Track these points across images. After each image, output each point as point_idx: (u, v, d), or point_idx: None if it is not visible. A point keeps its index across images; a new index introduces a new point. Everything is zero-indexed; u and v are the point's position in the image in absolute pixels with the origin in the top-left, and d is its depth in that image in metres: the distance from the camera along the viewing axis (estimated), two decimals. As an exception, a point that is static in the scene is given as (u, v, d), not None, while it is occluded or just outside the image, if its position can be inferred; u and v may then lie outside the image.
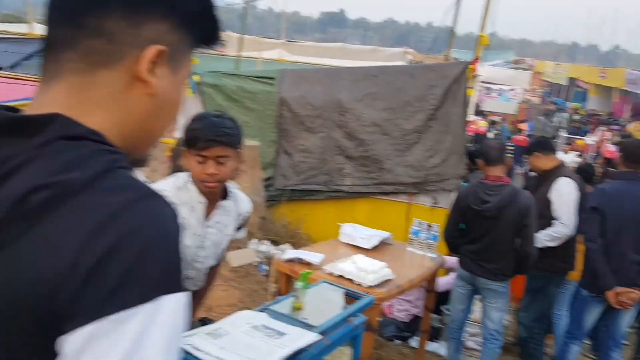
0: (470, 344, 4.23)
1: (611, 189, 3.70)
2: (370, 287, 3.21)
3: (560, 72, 35.87)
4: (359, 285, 3.23)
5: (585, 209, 3.85)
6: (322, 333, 1.72)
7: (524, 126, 22.46)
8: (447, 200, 5.53)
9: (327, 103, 5.96)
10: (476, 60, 5.71)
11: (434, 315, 4.75)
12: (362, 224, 5.48)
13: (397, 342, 4.48)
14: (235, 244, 5.03)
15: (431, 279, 4.02)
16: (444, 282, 4.46)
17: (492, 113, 23.57)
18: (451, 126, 5.84)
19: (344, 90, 5.99)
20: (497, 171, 3.63)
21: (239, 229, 2.36)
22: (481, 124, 18.91)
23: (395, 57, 15.31)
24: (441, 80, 5.82)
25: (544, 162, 4.11)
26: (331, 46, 17.08)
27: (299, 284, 1.95)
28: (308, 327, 1.73)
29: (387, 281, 3.33)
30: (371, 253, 3.78)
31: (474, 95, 6.27)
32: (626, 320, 3.79)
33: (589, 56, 43.34)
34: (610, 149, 15.27)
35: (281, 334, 1.60)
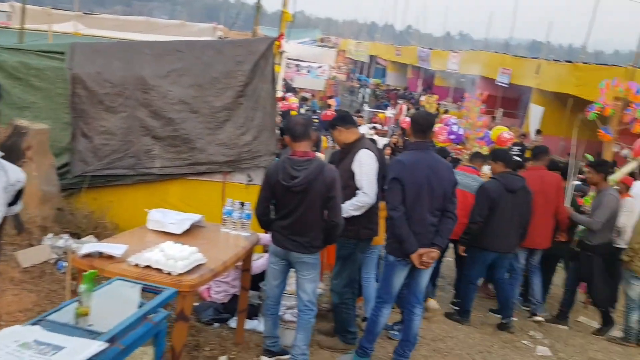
0: (287, 316, 4.30)
1: (406, 159, 3.97)
2: (181, 274, 3.06)
3: (361, 50, 38.40)
4: (169, 274, 3.05)
5: (386, 178, 4.12)
6: (112, 339, 1.53)
7: (332, 102, 23.65)
8: (262, 177, 5.52)
9: (128, 80, 5.52)
10: (281, 36, 5.74)
11: (253, 293, 4.75)
12: (176, 207, 5.22)
13: (216, 325, 4.38)
14: (26, 241, 4.44)
15: (246, 258, 3.98)
16: (258, 265, 4.46)
17: (302, 89, 24.40)
18: (261, 102, 5.81)
19: (146, 66, 5.59)
20: (303, 146, 3.68)
21: (13, 203, 2.01)
22: (292, 101, 19.46)
23: (204, 32, 14.89)
24: (248, 56, 5.74)
25: (346, 136, 4.29)
26: (134, 19, 16.04)
27: (82, 287, 1.72)
28: (93, 335, 1.53)
29: (199, 266, 3.20)
30: (182, 238, 3.61)
31: (282, 72, 6.35)
32: (426, 278, 4.16)
33: (386, 35, 47.01)
34: (406, 120, 16.86)
35: (58, 348, 1.38)
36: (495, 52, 23.48)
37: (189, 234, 3.73)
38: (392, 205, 3.90)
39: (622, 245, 5.81)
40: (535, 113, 17.39)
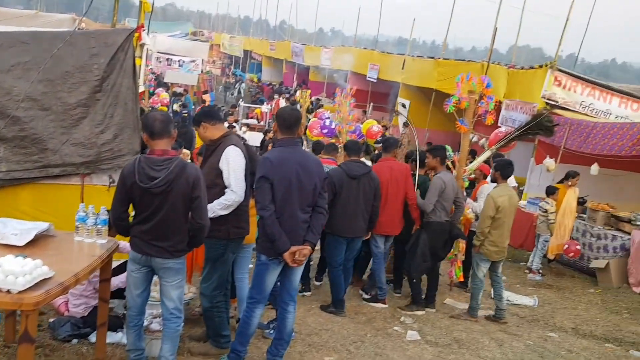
0: (154, 326, 4.06)
1: (273, 157, 3.89)
2: (23, 291, 2.73)
3: (235, 45, 37.88)
4: (8, 292, 2.72)
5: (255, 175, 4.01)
6: None
7: (206, 97, 23.10)
8: (124, 178, 5.18)
9: (-38, 75, 4.89)
10: (140, 27, 5.40)
11: (120, 302, 4.44)
12: (28, 215, 4.75)
13: (75, 341, 4.03)
14: None
15: (104, 267, 3.69)
16: (117, 281, 4.18)
17: (175, 84, 23.54)
18: (121, 98, 5.44)
19: (-17, 59, 4.99)
20: (162, 144, 3.46)
21: None
22: (164, 96, 18.69)
23: (63, 24, 13.75)
24: (105, 49, 5.34)
25: (211, 132, 4.12)
26: (-24, 8, 14.40)
27: None
28: None
29: (44, 281, 2.88)
30: (27, 250, 3.25)
31: (144, 65, 5.99)
32: (298, 275, 4.13)
33: (260, 30, 46.86)
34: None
35: None
36: (365, 48, 24.30)
37: (35, 245, 3.37)
38: (262, 204, 3.82)
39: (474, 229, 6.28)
40: (402, 107, 18.25)
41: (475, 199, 7.07)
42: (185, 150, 8.92)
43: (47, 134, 5.19)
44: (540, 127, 6.58)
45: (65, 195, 5.36)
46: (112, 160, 5.44)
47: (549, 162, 9.95)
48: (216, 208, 3.89)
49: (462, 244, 6.59)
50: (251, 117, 18.64)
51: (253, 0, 40.99)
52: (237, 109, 19.45)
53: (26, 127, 5.12)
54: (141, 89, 5.77)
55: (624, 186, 10.68)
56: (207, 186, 3.72)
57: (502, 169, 6.09)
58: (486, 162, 7.66)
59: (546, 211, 8.48)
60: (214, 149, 4.08)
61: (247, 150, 4.17)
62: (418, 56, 19.17)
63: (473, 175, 7.18)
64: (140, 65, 5.57)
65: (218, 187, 3.96)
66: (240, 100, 23.27)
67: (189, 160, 8.94)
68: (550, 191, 8.66)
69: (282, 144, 3.97)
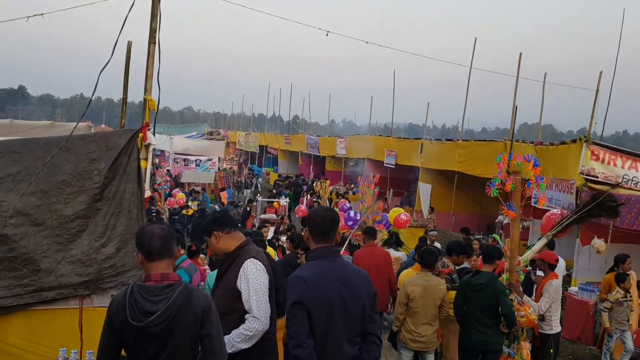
0: None
1: (308, 274, 3.05)
2: None
3: (251, 141, 38.26)
4: None
5: (280, 290, 3.23)
6: None
7: (224, 194, 22.73)
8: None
9: (-57, 191, 4.33)
10: (145, 126, 4.88)
11: None
12: (20, 347, 4.07)
13: None
14: None
15: None
16: None
17: (192, 184, 23.32)
18: (125, 206, 4.83)
19: (-31, 173, 4.45)
20: (161, 267, 2.70)
21: None
22: (180, 197, 18.30)
23: (79, 132, 13.63)
24: (105, 153, 4.80)
25: (226, 243, 3.37)
26: (-7, 122, 14.40)
27: None
28: None
29: None
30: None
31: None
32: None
33: (275, 126, 47.75)
34: (302, 208, 16.28)
35: None
36: (380, 135, 24.14)
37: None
38: (297, 340, 2.93)
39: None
40: (424, 191, 17.64)
41: (540, 296, 6.24)
42: (202, 256, 8.21)
43: (40, 253, 4.54)
44: (603, 208, 5.80)
45: (63, 322, 4.65)
46: (114, 278, 4.75)
47: (598, 242, 9.03)
48: (236, 341, 3.07)
49: (526, 351, 5.60)
50: (269, 212, 18.04)
51: (266, 99, 42.00)
52: (254, 204, 18.94)
53: (16, 246, 4.48)
54: (147, 193, 5.15)
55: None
56: (223, 312, 2.95)
57: (422, 257, 6.03)
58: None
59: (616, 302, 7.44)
60: (229, 263, 3.33)
61: (269, 262, 3.41)
62: (436, 139, 18.80)
63: (529, 268, 6.31)
64: (145, 168, 4.99)
65: (237, 313, 3.16)
66: (258, 195, 22.84)
67: (207, 264, 8.31)
68: (621, 279, 7.62)
69: (316, 255, 3.13)
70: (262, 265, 3.27)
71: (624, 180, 10.06)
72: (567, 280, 9.69)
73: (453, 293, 6.13)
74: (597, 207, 5.78)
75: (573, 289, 9.58)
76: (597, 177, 9.96)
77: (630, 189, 9.82)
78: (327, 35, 15.29)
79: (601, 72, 10.89)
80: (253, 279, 3.20)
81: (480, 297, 5.52)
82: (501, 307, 5.41)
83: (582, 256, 9.99)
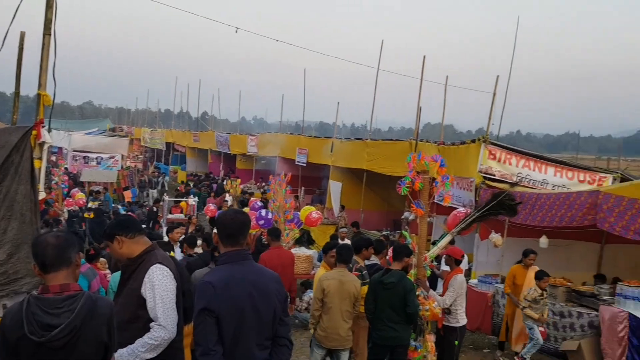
0: None
1: (218, 280, 2.93)
2: None
3: (157, 138, 36.96)
4: None
5: (186, 295, 3.10)
6: None
7: (127, 193, 21.77)
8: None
9: None
10: (39, 123, 4.52)
11: None
12: None
13: None
14: None
15: None
16: None
17: (93, 183, 22.12)
18: (16, 209, 4.46)
19: None
20: (60, 278, 2.49)
21: None
22: (80, 197, 17.29)
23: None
24: (-6, 151, 4.40)
25: (129, 248, 3.19)
26: None
27: None
28: None
29: None
30: None
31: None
32: None
33: (182, 122, 46.37)
34: (212, 208, 15.93)
35: None
36: (291, 133, 24.19)
37: None
38: (205, 347, 2.81)
39: None
40: (335, 189, 17.89)
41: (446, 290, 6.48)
42: (102, 259, 7.78)
43: None
44: (502, 206, 6.13)
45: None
46: (6, 286, 4.39)
47: (495, 237, 9.57)
48: (140, 351, 2.91)
49: (430, 343, 5.82)
50: (174, 212, 17.44)
51: (173, 94, 40.68)
52: (161, 204, 18.29)
53: None
54: (41, 195, 4.79)
55: (570, 255, 10.47)
56: (127, 320, 2.79)
57: (339, 253, 6.08)
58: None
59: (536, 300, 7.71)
60: (133, 269, 3.15)
61: (177, 267, 3.26)
62: (346, 138, 19.13)
63: (435, 264, 6.56)
64: (40, 168, 4.63)
65: (141, 321, 2.99)
66: (165, 194, 22.07)
67: (107, 268, 7.85)
68: (540, 277, 7.79)
69: (226, 259, 3.02)
70: (169, 271, 3.13)
71: (518, 178, 10.75)
72: (467, 274, 10.18)
73: (365, 288, 6.22)
74: (498, 206, 6.11)
75: (473, 281, 10.09)
76: (494, 175, 10.56)
77: (524, 186, 10.50)
78: (236, 31, 15.07)
79: (498, 76, 11.57)
80: (159, 285, 3.05)
81: (391, 295, 5.63)
82: (408, 306, 5.55)
83: (481, 250, 10.55)
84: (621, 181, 11.12)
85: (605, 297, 7.83)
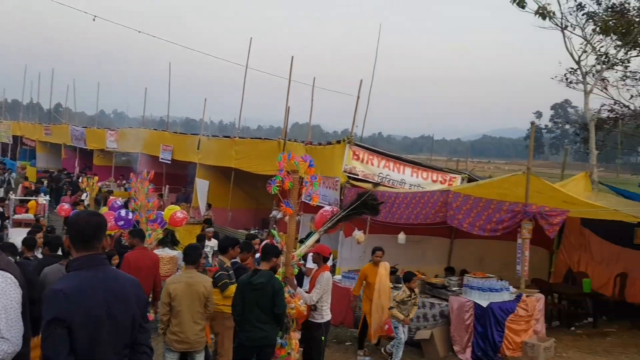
0: None
1: (70, 287, 2.70)
2: None
3: (2, 131, 33.48)
4: None
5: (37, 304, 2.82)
6: None
7: (-36, 192, 19.34)
8: None
9: None
10: None
11: None
12: None
13: None
14: None
15: None
16: None
17: None
18: None
19: None
20: None
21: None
22: None
23: None
24: None
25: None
26: None
27: None
28: None
29: None
30: None
31: None
32: None
33: (33, 113, 42.31)
34: (65, 207, 14.72)
35: None
36: (155, 129, 23.22)
37: None
38: None
39: None
40: (201, 188, 17.52)
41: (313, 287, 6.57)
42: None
43: None
44: (366, 206, 6.40)
45: None
46: None
47: (358, 234, 10.00)
48: (-25, 369, 2.61)
49: (295, 341, 5.91)
50: (19, 212, 15.81)
51: (22, 84, 36.89)
52: (6, 203, 16.54)
53: None
54: None
55: (424, 250, 11.28)
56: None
57: (186, 254, 6.05)
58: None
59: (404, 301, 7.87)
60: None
61: (24, 273, 2.95)
62: (214, 136, 18.80)
63: (302, 262, 6.66)
64: None
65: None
66: (11, 193, 19.98)
67: None
68: (407, 278, 7.95)
69: (80, 265, 2.78)
70: (13, 278, 2.82)
71: (380, 177, 11.34)
72: (332, 270, 10.50)
73: (233, 287, 6.13)
74: (362, 206, 6.37)
75: (337, 277, 10.42)
76: (358, 175, 11.04)
77: (384, 185, 11.10)
78: (94, 19, 14.12)
79: (361, 80, 12.07)
80: (2, 294, 2.74)
81: (260, 296, 5.60)
82: (276, 306, 5.56)
83: (345, 247, 10.96)
84: (468, 181, 12.20)
85: (454, 288, 8.53)
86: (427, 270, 10.28)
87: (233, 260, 6.88)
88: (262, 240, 9.64)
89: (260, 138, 16.92)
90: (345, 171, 11.05)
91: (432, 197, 9.05)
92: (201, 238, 10.61)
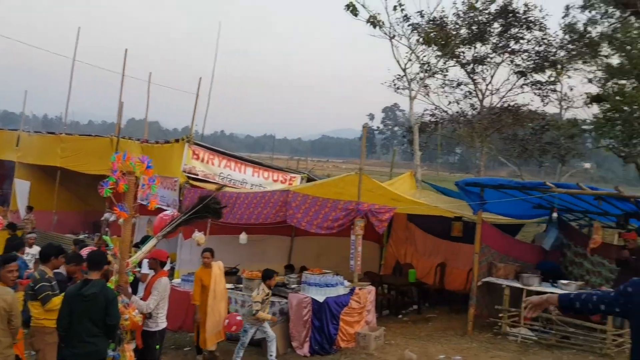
0: None
1: None
2: None
3: None
4: None
5: None
6: None
7: None
8: None
9: None
10: None
11: None
12: None
13: None
14: None
15: None
16: None
17: None
18: None
19: None
20: None
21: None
22: None
23: None
24: None
25: None
26: None
27: None
28: None
29: None
30: None
31: None
32: None
33: None
34: None
35: None
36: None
37: None
38: None
39: None
40: (21, 189, 15.80)
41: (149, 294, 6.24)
42: None
43: None
44: (208, 210, 6.24)
45: None
46: None
47: (198, 235, 9.76)
48: None
49: (129, 353, 5.57)
50: None
51: None
52: None
53: None
54: None
55: (266, 249, 11.40)
56: None
57: None
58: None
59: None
60: None
61: None
62: (36, 131, 17.07)
63: (138, 269, 6.28)
64: None
65: None
66: None
67: None
68: (268, 276, 7.78)
69: None
70: None
71: (221, 177, 11.21)
72: (170, 273, 10.14)
73: (57, 300, 5.59)
74: (204, 209, 6.21)
75: (176, 280, 10.09)
76: (198, 175, 10.80)
77: (226, 185, 10.99)
78: None
79: (200, 78, 11.82)
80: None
81: (91, 307, 5.14)
82: (109, 318, 5.15)
83: (184, 249, 10.65)
84: (307, 181, 12.61)
85: (293, 286, 8.74)
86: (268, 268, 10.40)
87: (56, 270, 6.29)
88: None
89: (90, 135, 15.75)
90: (184, 171, 10.74)
91: (273, 197, 9.18)
92: (15, 246, 9.41)
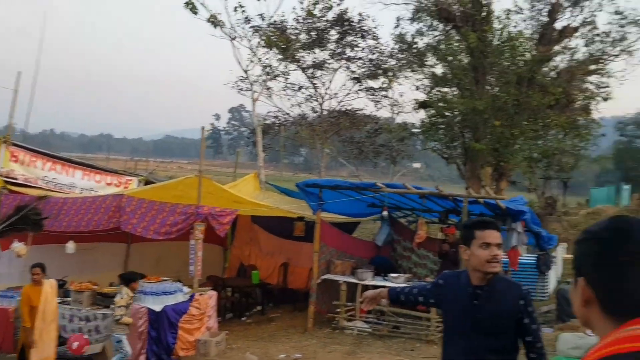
0: None
1: None
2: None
3: None
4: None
5: None
6: None
7: None
8: None
9: None
10: None
11: None
12: None
13: None
14: None
15: None
16: None
17: None
18: None
19: None
20: None
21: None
22: None
23: None
24: None
25: None
26: None
27: None
28: None
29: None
30: None
31: None
32: None
33: None
34: None
35: None
36: None
37: None
38: None
39: None
40: None
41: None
42: None
43: None
44: (27, 222, 5.62)
45: None
46: None
47: (18, 246, 8.79)
48: None
49: None
50: None
51: None
52: None
53: None
54: None
55: (98, 258, 10.64)
56: None
57: None
58: None
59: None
60: None
61: None
62: None
63: None
64: None
65: None
66: None
67: None
68: (131, 278, 7.31)
69: None
70: None
71: (45, 181, 10.24)
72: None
73: None
74: (22, 221, 5.60)
75: (-7, 297, 9.03)
76: (18, 179, 9.75)
77: (51, 190, 10.06)
78: None
79: (19, 73, 10.67)
80: None
81: None
82: None
83: (3, 261, 9.54)
84: (146, 184, 12.03)
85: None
86: (100, 278, 9.71)
87: None
88: None
89: None
90: (1, 175, 9.63)
91: (105, 201, 8.60)
92: None
